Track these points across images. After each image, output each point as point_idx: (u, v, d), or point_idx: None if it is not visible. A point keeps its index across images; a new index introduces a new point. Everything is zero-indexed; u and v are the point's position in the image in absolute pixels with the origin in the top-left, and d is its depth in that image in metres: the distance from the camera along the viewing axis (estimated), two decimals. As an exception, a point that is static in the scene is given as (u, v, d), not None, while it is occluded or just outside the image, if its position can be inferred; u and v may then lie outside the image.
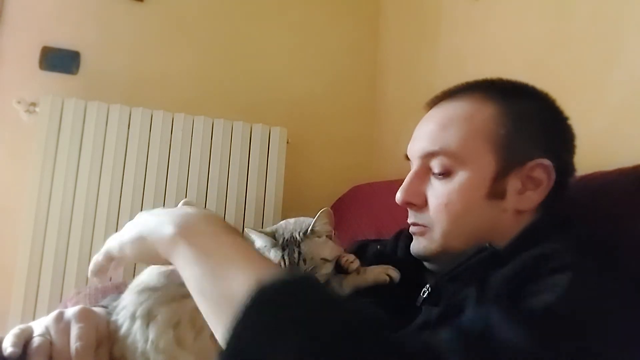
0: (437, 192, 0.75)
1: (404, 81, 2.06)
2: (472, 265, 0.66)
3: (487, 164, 0.72)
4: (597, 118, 1.17)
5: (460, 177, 0.73)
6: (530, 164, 0.72)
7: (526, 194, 0.73)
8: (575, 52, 1.25)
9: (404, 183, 0.79)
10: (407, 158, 0.84)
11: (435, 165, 0.75)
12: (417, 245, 0.79)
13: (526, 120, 0.75)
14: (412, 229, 0.81)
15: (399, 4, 2.16)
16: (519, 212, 0.73)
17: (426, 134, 0.78)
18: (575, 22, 1.26)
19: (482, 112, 0.75)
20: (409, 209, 0.80)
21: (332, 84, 2.18)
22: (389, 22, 2.22)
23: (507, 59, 1.48)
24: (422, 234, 0.78)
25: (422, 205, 0.77)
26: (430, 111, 0.82)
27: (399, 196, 0.78)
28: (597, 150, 1.13)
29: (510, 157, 0.73)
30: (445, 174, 0.74)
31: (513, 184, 0.72)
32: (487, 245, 0.67)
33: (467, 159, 0.73)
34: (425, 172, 0.78)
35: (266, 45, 2.06)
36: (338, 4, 2.21)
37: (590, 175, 0.90)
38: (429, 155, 0.76)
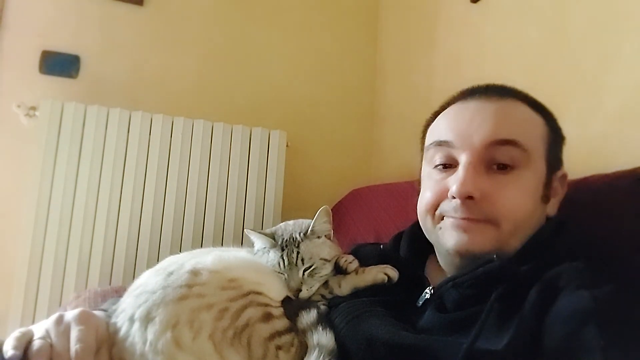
0: (508, 186, 0.71)
1: (403, 85, 2.07)
2: (477, 275, 0.67)
3: (542, 167, 0.75)
4: (596, 121, 1.17)
5: (525, 174, 0.72)
6: (559, 172, 0.78)
7: (551, 201, 0.77)
8: (573, 56, 1.25)
9: (461, 175, 0.71)
10: (441, 144, 0.77)
11: (503, 155, 0.72)
12: (468, 241, 0.71)
13: (557, 133, 0.79)
14: (461, 223, 0.72)
15: (397, 8, 2.16)
16: (545, 216, 0.77)
17: (493, 122, 0.73)
18: (573, 26, 1.26)
19: (538, 119, 0.77)
20: (460, 203, 0.71)
21: (332, 88, 2.19)
22: (388, 26, 2.22)
23: (504, 63, 1.49)
24: (475, 229, 0.71)
25: (479, 199, 0.71)
26: (477, 103, 0.77)
27: (459, 189, 0.70)
28: (595, 153, 1.14)
29: (551, 165, 0.76)
30: (509, 168, 0.72)
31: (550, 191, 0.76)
32: (495, 257, 0.67)
33: (533, 157, 0.73)
34: (480, 164, 0.72)
35: (266, 49, 2.07)
36: (337, 9, 2.22)
37: (590, 177, 0.90)
38: (499, 143, 0.71)
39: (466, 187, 0.70)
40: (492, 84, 0.83)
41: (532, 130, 0.75)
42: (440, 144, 0.77)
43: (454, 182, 0.72)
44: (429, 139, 0.82)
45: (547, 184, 0.75)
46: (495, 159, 0.72)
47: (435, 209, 0.76)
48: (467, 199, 0.71)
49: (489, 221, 0.71)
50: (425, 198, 0.79)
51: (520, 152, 0.72)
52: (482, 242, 0.70)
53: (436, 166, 0.78)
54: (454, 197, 0.72)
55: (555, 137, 0.78)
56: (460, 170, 0.72)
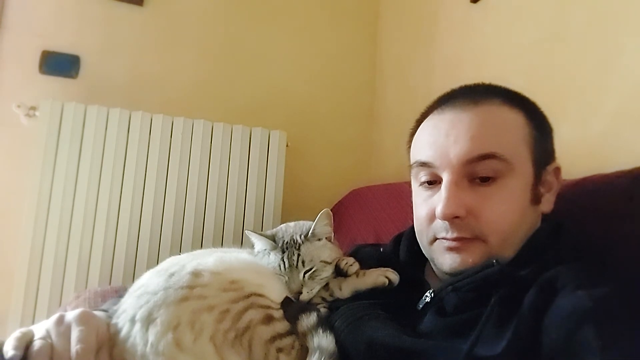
0: (491, 200, 0.71)
1: (403, 85, 2.07)
2: (477, 279, 0.67)
3: (528, 169, 0.74)
4: (596, 121, 1.17)
5: (510, 183, 0.72)
6: (550, 167, 0.77)
7: (545, 196, 0.76)
8: (572, 56, 1.25)
9: (445, 195, 0.71)
10: (423, 165, 0.77)
11: (483, 169, 0.71)
12: (460, 262, 0.72)
13: (543, 126, 0.78)
14: (452, 244, 0.73)
15: (397, 9, 2.16)
16: (539, 216, 0.77)
17: (469, 137, 0.72)
18: (573, 25, 1.26)
19: (515, 118, 0.75)
20: (449, 223, 0.72)
21: (332, 88, 2.19)
22: (388, 27, 2.22)
23: (504, 63, 1.49)
24: (466, 248, 0.72)
25: (466, 216, 0.71)
26: (452, 114, 0.76)
27: (444, 211, 0.71)
28: (595, 153, 1.14)
29: (539, 162, 0.75)
30: (492, 179, 0.71)
31: (541, 188, 0.76)
32: (494, 261, 0.67)
33: (515, 164, 0.72)
34: (462, 180, 0.72)
35: (266, 49, 2.07)
36: (337, 9, 2.22)
37: (590, 177, 0.90)
38: (477, 159, 0.71)
39: (450, 208, 0.70)
40: (466, 87, 0.82)
41: (511, 135, 0.73)
42: (422, 164, 0.77)
43: (439, 203, 0.72)
44: (413, 156, 0.82)
45: (536, 185, 0.74)
46: (477, 173, 0.72)
47: (428, 229, 0.77)
48: (455, 219, 0.71)
49: (477, 238, 0.71)
50: (418, 219, 0.80)
51: (501, 163, 0.71)
52: (474, 260, 0.71)
53: (422, 183, 0.79)
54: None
55: (540, 132, 0.76)
56: (443, 191, 0.72)
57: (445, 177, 0.73)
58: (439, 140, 0.75)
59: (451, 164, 0.72)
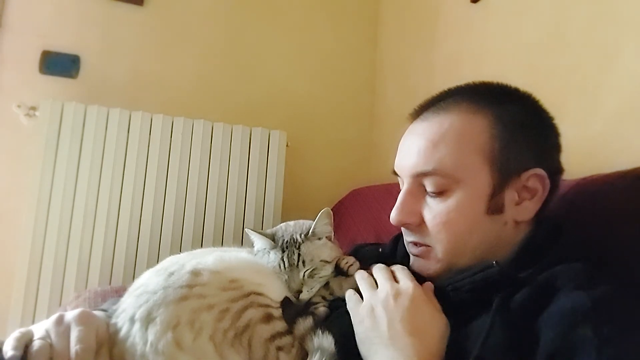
0: (435, 211, 0.73)
1: (403, 85, 2.07)
2: (476, 281, 0.67)
3: (484, 179, 0.71)
4: (596, 121, 1.17)
5: (458, 195, 0.71)
6: (525, 174, 0.72)
7: (523, 204, 0.73)
8: (572, 56, 1.25)
9: (397, 203, 0.76)
10: (395, 173, 0.81)
11: (429, 184, 0.73)
12: (419, 267, 0.77)
13: (517, 128, 0.72)
14: (412, 249, 0.79)
15: (397, 9, 2.17)
16: (517, 223, 0.74)
17: (416, 152, 0.75)
18: (573, 25, 1.26)
19: (474, 125, 0.72)
20: (405, 229, 0.79)
21: (331, 88, 2.19)
22: (388, 26, 2.22)
23: (504, 63, 1.49)
24: (423, 255, 0.76)
25: (418, 224, 0.75)
26: (416, 124, 0.79)
27: (394, 217, 0.76)
28: (595, 153, 1.14)
29: (505, 170, 0.71)
30: (441, 193, 0.72)
31: (510, 196, 0.72)
32: (494, 263, 0.66)
33: (463, 177, 0.71)
34: (418, 190, 0.75)
35: (266, 49, 2.07)
36: (337, 9, 2.23)
37: (590, 178, 0.90)
38: (421, 175, 0.74)
39: (398, 215, 0.76)
40: (436, 96, 0.81)
41: (460, 146, 0.71)
42: (394, 172, 0.82)
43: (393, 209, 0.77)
44: None
45: (495, 194, 0.71)
46: (426, 186, 0.74)
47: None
48: (406, 225, 0.77)
49: (428, 244, 0.75)
50: None
51: (444, 179, 0.72)
52: (428, 266, 0.76)
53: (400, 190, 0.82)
54: None
55: (512, 135, 0.72)
56: (398, 199, 0.77)
57: (404, 186, 0.78)
58: (402, 150, 0.80)
59: (406, 175, 0.77)
